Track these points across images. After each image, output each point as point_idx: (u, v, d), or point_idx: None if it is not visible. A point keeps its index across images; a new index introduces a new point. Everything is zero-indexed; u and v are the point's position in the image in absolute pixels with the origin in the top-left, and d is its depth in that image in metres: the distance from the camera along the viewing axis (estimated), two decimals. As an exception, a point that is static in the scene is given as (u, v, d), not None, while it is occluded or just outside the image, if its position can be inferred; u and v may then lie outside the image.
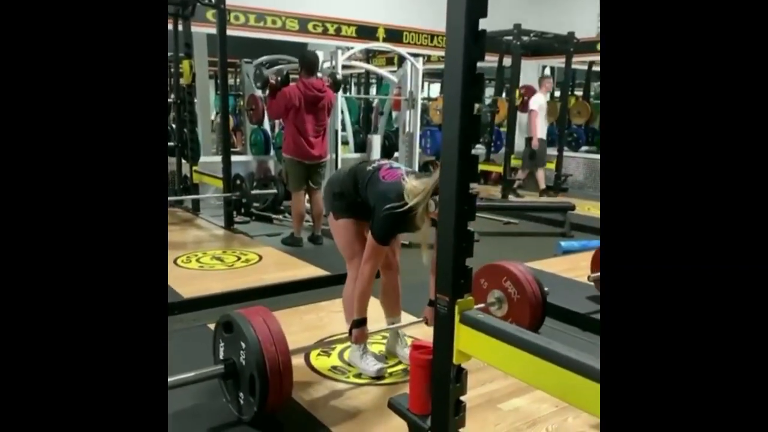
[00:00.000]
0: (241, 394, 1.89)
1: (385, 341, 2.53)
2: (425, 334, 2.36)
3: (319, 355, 2.47)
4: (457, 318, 1.44)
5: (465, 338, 1.44)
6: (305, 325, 2.81)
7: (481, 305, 2.56)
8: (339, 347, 2.53)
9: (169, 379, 1.80)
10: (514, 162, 7.05)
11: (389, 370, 2.32)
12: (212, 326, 2.13)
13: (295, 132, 4.16)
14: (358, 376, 2.28)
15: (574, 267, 3.83)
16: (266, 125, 6.22)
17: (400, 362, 2.39)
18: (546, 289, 2.60)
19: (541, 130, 6.63)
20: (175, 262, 3.81)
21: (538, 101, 6.57)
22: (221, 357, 1.98)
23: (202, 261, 3.88)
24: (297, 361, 2.30)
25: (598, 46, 5.44)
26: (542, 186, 6.88)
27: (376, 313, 2.37)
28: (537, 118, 6.53)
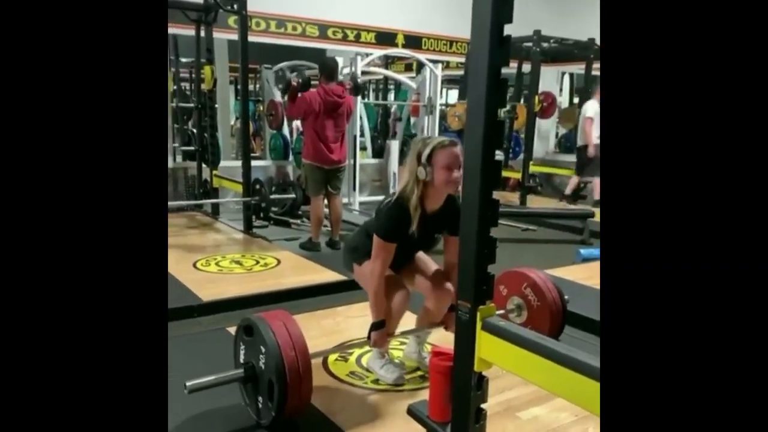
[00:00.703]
0: (260, 398, 1.90)
1: (403, 347, 2.52)
2: (441, 339, 2.35)
3: (336, 360, 2.47)
4: (478, 325, 1.43)
5: (486, 345, 1.42)
6: (322, 330, 2.81)
7: (501, 311, 2.54)
8: (357, 352, 2.52)
9: (189, 383, 1.81)
10: (533, 168, 7.00)
11: (407, 377, 2.31)
12: (231, 329, 2.14)
13: (315, 137, 4.19)
14: (376, 381, 2.27)
15: (594, 275, 3.77)
16: (285, 130, 6.27)
17: (418, 368, 2.38)
18: (566, 297, 2.58)
19: (596, 137, 6.51)
20: (194, 265, 3.85)
21: (594, 108, 6.45)
22: (241, 360, 1.98)
23: (221, 264, 3.91)
24: (315, 366, 2.29)
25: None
26: (597, 197, 6.69)
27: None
28: (592, 126, 6.41)
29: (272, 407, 1.82)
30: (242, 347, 1.98)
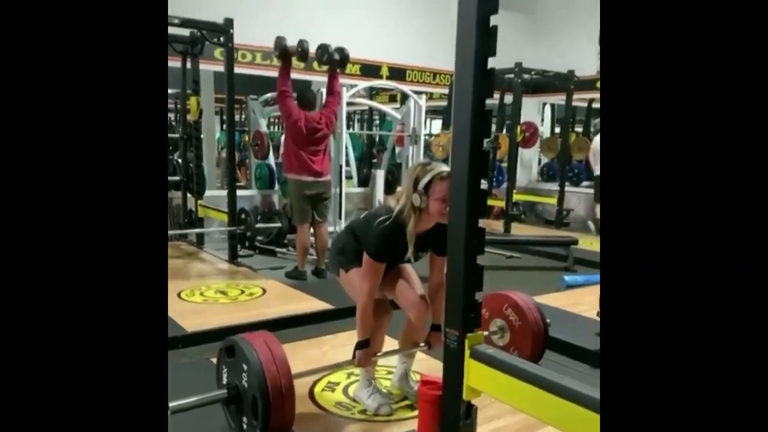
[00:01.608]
0: (245, 419, 1.87)
1: (390, 377, 2.50)
2: (430, 368, 2.34)
3: (323, 390, 2.45)
4: (467, 353, 1.43)
5: (476, 374, 1.43)
6: (308, 360, 2.77)
7: (484, 334, 2.55)
8: (343, 383, 2.50)
9: (172, 404, 1.78)
10: (517, 196, 7.09)
11: (395, 406, 2.29)
12: (215, 360, 2.12)
13: (295, 148, 4.30)
14: (364, 412, 2.25)
15: (578, 302, 3.81)
16: (271, 160, 6.28)
17: (406, 398, 2.36)
18: (548, 320, 2.60)
19: None
20: (178, 295, 3.80)
21: None
22: (224, 382, 1.97)
23: (206, 294, 3.87)
24: (301, 396, 2.27)
25: (598, 84, 5.53)
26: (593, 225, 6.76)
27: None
28: None
29: (257, 425, 1.80)
30: (224, 369, 1.97)
